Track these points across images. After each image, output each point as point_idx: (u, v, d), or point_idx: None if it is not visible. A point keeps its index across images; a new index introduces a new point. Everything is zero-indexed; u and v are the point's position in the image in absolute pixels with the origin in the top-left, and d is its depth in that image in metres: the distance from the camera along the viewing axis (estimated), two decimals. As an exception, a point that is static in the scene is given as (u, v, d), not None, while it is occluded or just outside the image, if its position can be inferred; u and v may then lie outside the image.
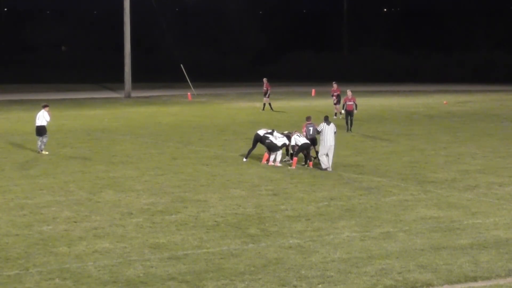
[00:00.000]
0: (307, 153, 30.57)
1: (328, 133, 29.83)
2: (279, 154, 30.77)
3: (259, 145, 31.58)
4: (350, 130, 41.65)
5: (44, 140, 33.82)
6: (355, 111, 42.45)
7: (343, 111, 43.79)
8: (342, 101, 45.19)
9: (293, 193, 25.70)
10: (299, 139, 30.26)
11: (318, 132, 30.09)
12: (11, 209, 23.25)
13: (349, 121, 42.00)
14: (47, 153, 33.51)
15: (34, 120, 34.45)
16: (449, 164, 31.43)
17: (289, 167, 30.32)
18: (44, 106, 34.35)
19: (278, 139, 30.74)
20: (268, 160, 30.88)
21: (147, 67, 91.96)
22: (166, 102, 61.66)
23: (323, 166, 29.80)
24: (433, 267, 17.71)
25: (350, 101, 42.47)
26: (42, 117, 33.74)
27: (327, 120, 30.48)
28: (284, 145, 30.90)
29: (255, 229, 21.04)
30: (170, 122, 46.92)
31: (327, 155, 29.79)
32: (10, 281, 16.70)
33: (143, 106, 58.61)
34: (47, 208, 23.28)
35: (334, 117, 48.48)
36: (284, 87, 72.86)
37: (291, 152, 31.22)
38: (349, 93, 43.02)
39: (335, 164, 30.73)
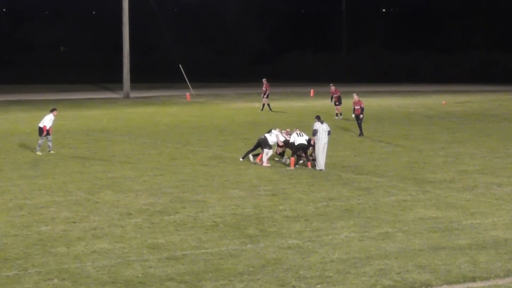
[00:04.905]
0: (304, 153, 30.53)
1: (322, 132, 30.02)
2: (269, 152, 30.74)
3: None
4: (362, 134, 40.10)
5: (48, 142, 33.82)
6: (361, 115, 40.43)
7: (353, 115, 41.62)
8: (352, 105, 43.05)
9: (292, 193, 25.70)
10: (297, 138, 30.23)
11: (315, 133, 30.05)
12: (10, 209, 23.26)
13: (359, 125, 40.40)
14: (40, 153, 33.50)
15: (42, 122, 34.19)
16: (447, 165, 31.43)
17: (288, 168, 30.32)
18: (52, 110, 34.36)
19: (272, 136, 30.86)
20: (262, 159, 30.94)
21: (146, 68, 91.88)
22: (165, 103, 61.62)
23: (317, 168, 29.81)
24: (432, 267, 17.71)
25: (357, 105, 40.54)
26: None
27: (319, 119, 30.59)
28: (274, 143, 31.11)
29: (254, 229, 21.04)
30: (169, 122, 46.90)
31: (322, 153, 29.84)
32: (9, 281, 16.70)
33: (142, 106, 58.57)
34: (46, 209, 23.28)
35: (336, 117, 48.44)
36: (282, 87, 72.81)
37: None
38: (355, 97, 41.34)
39: (333, 165, 30.76)
